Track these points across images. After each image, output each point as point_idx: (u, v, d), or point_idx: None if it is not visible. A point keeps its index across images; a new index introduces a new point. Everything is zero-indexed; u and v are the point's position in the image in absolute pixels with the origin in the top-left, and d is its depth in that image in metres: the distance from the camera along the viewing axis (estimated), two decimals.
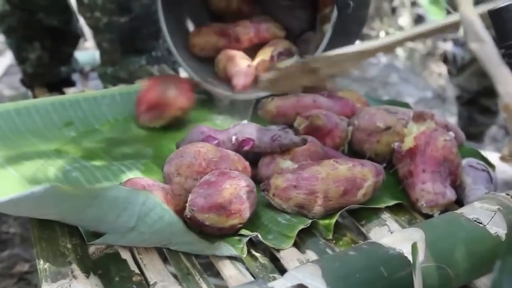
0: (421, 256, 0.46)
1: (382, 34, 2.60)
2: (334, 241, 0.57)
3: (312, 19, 0.91)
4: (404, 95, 2.16)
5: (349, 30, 0.81)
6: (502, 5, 0.46)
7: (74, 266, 0.49)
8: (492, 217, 0.51)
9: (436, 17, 2.64)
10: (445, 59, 2.41)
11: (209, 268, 0.56)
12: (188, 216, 0.54)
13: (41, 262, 0.49)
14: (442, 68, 2.40)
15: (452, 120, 1.85)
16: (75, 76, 1.43)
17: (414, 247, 0.45)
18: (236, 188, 0.55)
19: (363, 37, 2.59)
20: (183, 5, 0.94)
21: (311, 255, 0.55)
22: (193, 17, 0.98)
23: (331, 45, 0.77)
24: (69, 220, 0.53)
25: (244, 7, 0.96)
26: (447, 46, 2.41)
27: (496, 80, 0.30)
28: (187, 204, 0.55)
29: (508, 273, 0.31)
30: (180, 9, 0.93)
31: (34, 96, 1.27)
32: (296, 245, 0.56)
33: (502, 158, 0.29)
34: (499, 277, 0.32)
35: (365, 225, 0.60)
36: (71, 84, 1.39)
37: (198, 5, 0.99)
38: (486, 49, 0.30)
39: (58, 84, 1.32)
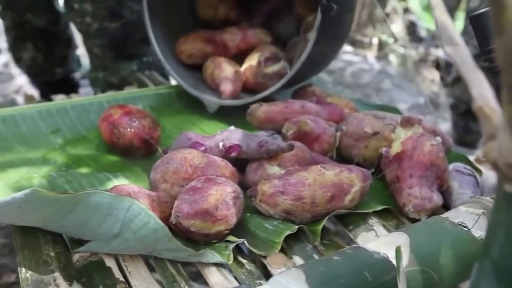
0: (405, 260, 0.46)
1: (375, 40, 2.61)
2: (322, 247, 0.57)
3: (299, 24, 0.91)
4: (397, 101, 2.17)
5: (335, 34, 0.81)
6: (482, 10, 0.47)
7: (57, 274, 0.48)
8: (477, 221, 0.51)
9: (429, 24, 2.66)
10: (437, 65, 2.42)
11: (198, 276, 0.56)
12: (174, 223, 0.54)
13: (23, 270, 0.49)
14: (435, 74, 2.41)
15: (445, 126, 1.85)
16: (77, 79, 1.45)
17: (398, 251, 0.45)
18: (222, 194, 0.55)
19: (355, 43, 2.61)
20: (170, 14, 0.94)
21: (298, 261, 0.54)
22: (181, 26, 0.98)
23: (317, 50, 0.77)
24: (52, 226, 0.52)
25: (231, 15, 0.97)
26: (440, 53, 2.43)
27: (469, 83, 0.30)
28: (172, 211, 0.54)
29: (486, 275, 0.31)
30: (168, 17, 0.93)
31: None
32: (283, 251, 0.56)
33: (477, 160, 0.29)
34: (477, 279, 0.32)
35: (353, 230, 0.60)
36: (73, 86, 1.41)
37: (186, 14, 0.99)
38: (460, 53, 0.31)
39: (59, 85, 1.34)
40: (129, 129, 0.73)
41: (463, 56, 0.30)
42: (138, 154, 0.75)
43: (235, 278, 0.52)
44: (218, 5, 0.97)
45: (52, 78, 1.36)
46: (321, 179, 0.58)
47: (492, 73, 0.43)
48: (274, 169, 0.64)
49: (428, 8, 2.81)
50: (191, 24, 0.98)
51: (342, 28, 0.81)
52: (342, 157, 0.73)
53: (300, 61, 0.78)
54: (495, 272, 0.30)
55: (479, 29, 0.47)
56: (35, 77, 1.37)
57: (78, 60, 1.46)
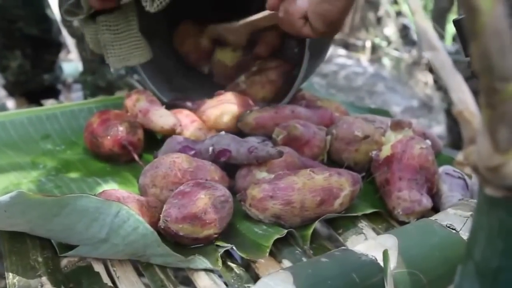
0: (393, 262, 0.46)
1: (368, 44, 2.62)
2: (311, 251, 0.57)
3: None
4: (391, 104, 2.17)
5: (318, 46, 0.80)
6: None
7: (44, 279, 0.48)
8: (465, 223, 0.52)
9: None
10: (430, 68, 2.44)
11: (187, 280, 0.56)
12: (162, 227, 0.54)
13: (10, 276, 0.48)
14: (428, 77, 2.43)
15: (439, 129, 1.86)
16: (60, 86, 1.43)
17: (385, 254, 0.46)
18: (210, 198, 0.55)
19: (349, 46, 2.62)
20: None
21: (287, 264, 0.54)
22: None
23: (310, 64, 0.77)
24: (38, 231, 0.52)
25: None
26: None
27: (449, 87, 0.30)
28: (161, 215, 0.54)
29: (468, 277, 0.31)
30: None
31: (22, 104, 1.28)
32: (273, 255, 0.56)
33: (458, 164, 0.29)
34: (460, 281, 0.32)
35: (342, 234, 0.60)
36: (56, 93, 1.39)
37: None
38: (440, 57, 0.31)
39: (41, 93, 1.32)
40: (107, 137, 0.71)
41: (443, 60, 0.31)
42: (122, 160, 0.73)
43: (224, 283, 0.52)
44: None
45: (40, 85, 1.35)
46: (311, 184, 0.58)
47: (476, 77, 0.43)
48: (262, 174, 0.64)
49: None
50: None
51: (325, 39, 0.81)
52: (333, 161, 0.73)
53: (294, 88, 0.78)
54: (477, 274, 0.30)
55: (463, 33, 0.47)
56: (22, 86, 1.34)
57: (60, 66, 1.45)
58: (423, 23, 0.31)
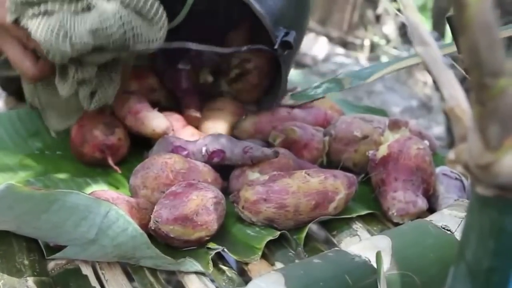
0: (387, 264, 0.46)
1: (366, 42, 2.61)
2: (304, 253, 0.56)
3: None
4: (390, 104, 2.17)
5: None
6: None
7: (31, 283, 0.47)
8: (460, 224, 0.51)
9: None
10: None
11: (178, 283, 0.55)
12: (153, 228, 0.53)
13: None
14: (428, 77, 2.42)
15: (438, 129, 1.86)
16: None
17: (378, 256, 0.45)
18: (202, 200, 0.54)
19: (347, 45, 2.61)
20: None
21: (280, 267, 0.53)
22: None
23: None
24: (25, 229, 0.51)
25: None
26: None
27: (440, 84, 0.29)
28: (151, 216, 0.53)
29: (460, 278, 0.30)
30: None
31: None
32: (265, 257, 0.55)
33: (449, 162, 0.28)
34: (453, 283, 0.31)
35: (336, 236, 0.59)
36: None
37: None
38: (431, 53, 0.30)
39: None
40: (85, 145, 0.68)
41: (434, 56, 0.30)
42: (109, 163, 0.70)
43: (216, 287, 0.51)
44: None
45: None
46: (306, 187, 0.57)
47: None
48: (255, 175, 0.63)
49: (420, 9, 2.82)
50: None
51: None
52: (332, 162, 0.72)
53: (281, 91, 0.75)
54: (469, 276, 0.29)
55: (456, 29, 0.46)
56: (14, 83, 1.33)
57: None
58: (414, 18, 0.30)
